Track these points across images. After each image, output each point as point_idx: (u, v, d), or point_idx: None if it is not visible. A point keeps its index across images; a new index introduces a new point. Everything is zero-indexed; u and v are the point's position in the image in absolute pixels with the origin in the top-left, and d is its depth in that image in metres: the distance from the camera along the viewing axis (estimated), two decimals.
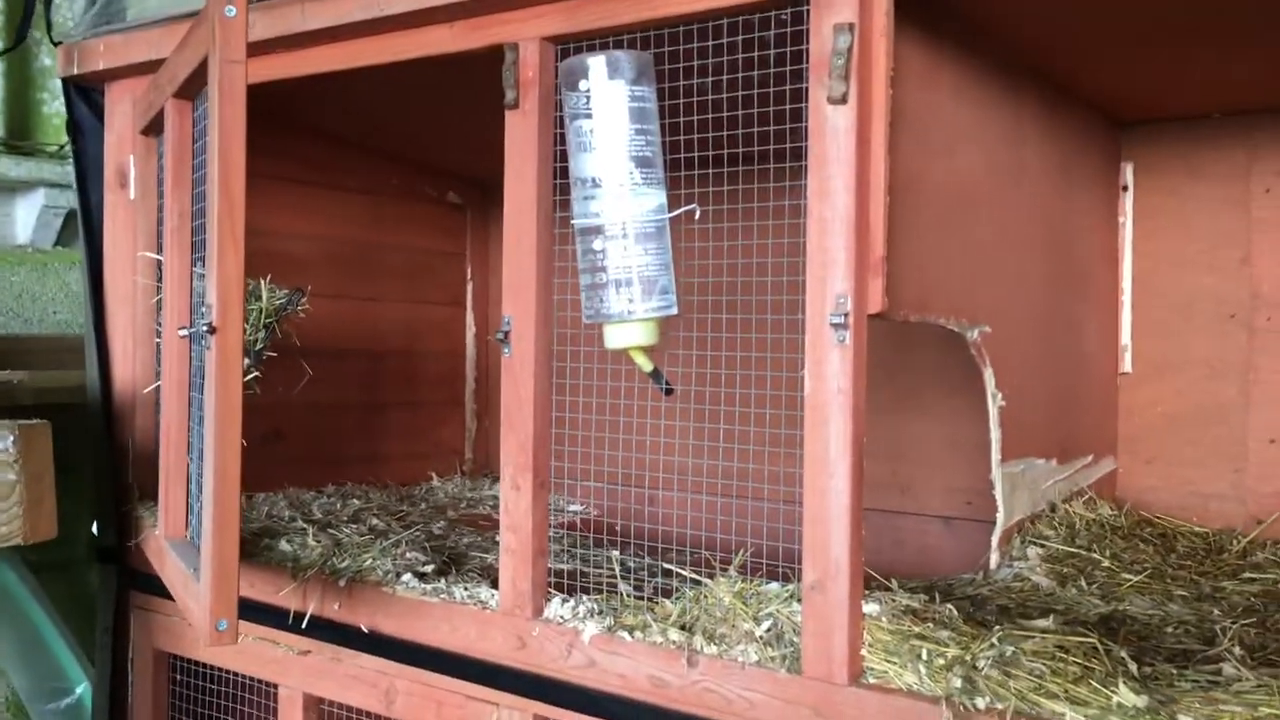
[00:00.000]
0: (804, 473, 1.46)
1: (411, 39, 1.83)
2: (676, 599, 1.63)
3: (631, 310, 1.57)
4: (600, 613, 1.66)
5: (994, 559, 1.78)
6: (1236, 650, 1.35)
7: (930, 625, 1.40)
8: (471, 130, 2.28)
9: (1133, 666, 1.30)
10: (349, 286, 2.76)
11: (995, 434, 1.77)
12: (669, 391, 1.65)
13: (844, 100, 1.41)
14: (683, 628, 1.58)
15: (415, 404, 2.94)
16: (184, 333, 1.71)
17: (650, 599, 1.67)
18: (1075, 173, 2.10)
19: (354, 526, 2.27)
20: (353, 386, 2.78)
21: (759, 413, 1.66)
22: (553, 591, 1.73)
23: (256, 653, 2.04)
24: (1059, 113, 2.02)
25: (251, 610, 2.02)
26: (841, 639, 1.42)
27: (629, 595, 1.69)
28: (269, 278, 1.99)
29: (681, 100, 1.61)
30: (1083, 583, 1.69)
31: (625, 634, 1.61)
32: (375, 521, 2.37)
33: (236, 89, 1.50)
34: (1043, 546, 1.79)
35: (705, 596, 1.60)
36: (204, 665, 2.18)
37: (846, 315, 1.41)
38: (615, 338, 1.59)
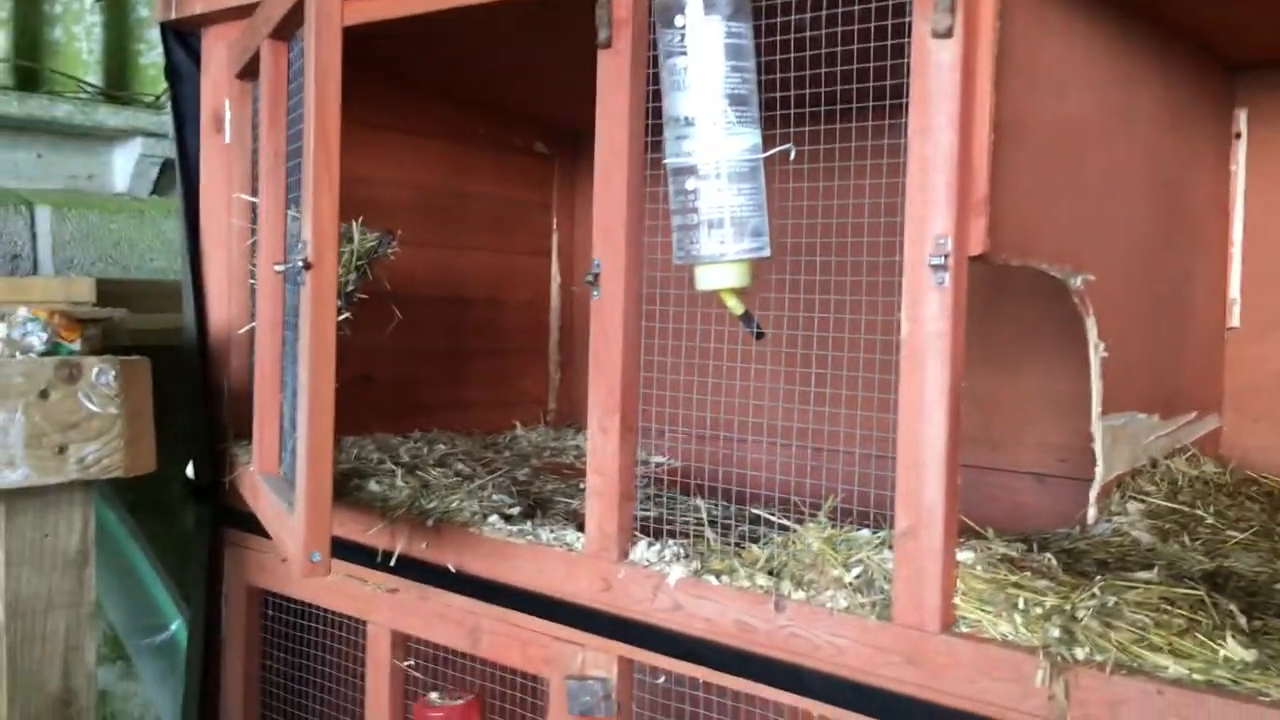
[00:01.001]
0: (899, 417, 1.43)
1: None
2: (764, 544, 1.62)
3: (723, 252, 1.55)
4: (686, 557, 1.66)
5: (1092, 513, 1.73)
6: None
7: (1028, 574, 1.37)
8: (561, 76, 2.26)
9: (1241, 620, 1.25)
10: (435, 234, 2.77)
11: (1096, 385, 1.72)
12: (759, 335, 1.63)
13: (949, 34, 1.37)
14: (770, 573, 1.57)
15: (500, 353, 2.95)
16: (279, 269, 1.73)
17: (737, 545, 1.66)
18: (1186, 119, 2.01)
19: (440, 470, 2.29)
20: (439, 334, 2.80)
21: (851, 357, 1.62)
22: (638, 535, 1.72)
23: (346, 590, 2.07)
24: (1171, 55, 1.93)
25: (341, 548, 2.05)
26: (934, 586, 1.39)
27: (715, 541, 1.67)
28: (360, 220, 2.00)
29: (779, 38, 1.57)
30: (1185, 539, 1.63)
31: (712, 578, 1.60)
32: (461, 466, 2.38)
33: (333, 25, 1.50)
34: (1143, 502, 1.74)
35: (794, 542, 1.58)
36: (295, 601, 2.23)
37: (946, 256, 1.38)
38: (706, 279, 1.57)
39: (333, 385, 1.54)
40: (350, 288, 1.96)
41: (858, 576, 1.50)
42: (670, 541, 1.70)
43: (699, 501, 2.22)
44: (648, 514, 1.94)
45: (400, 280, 2.69)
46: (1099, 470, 1.73)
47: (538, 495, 2.14)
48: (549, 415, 3.09)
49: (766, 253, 1.57)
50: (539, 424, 3.05)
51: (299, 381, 1.60)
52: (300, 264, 1.53)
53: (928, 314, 1.40)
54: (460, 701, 1.95)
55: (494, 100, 2.86)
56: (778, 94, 1.58)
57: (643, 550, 1.69)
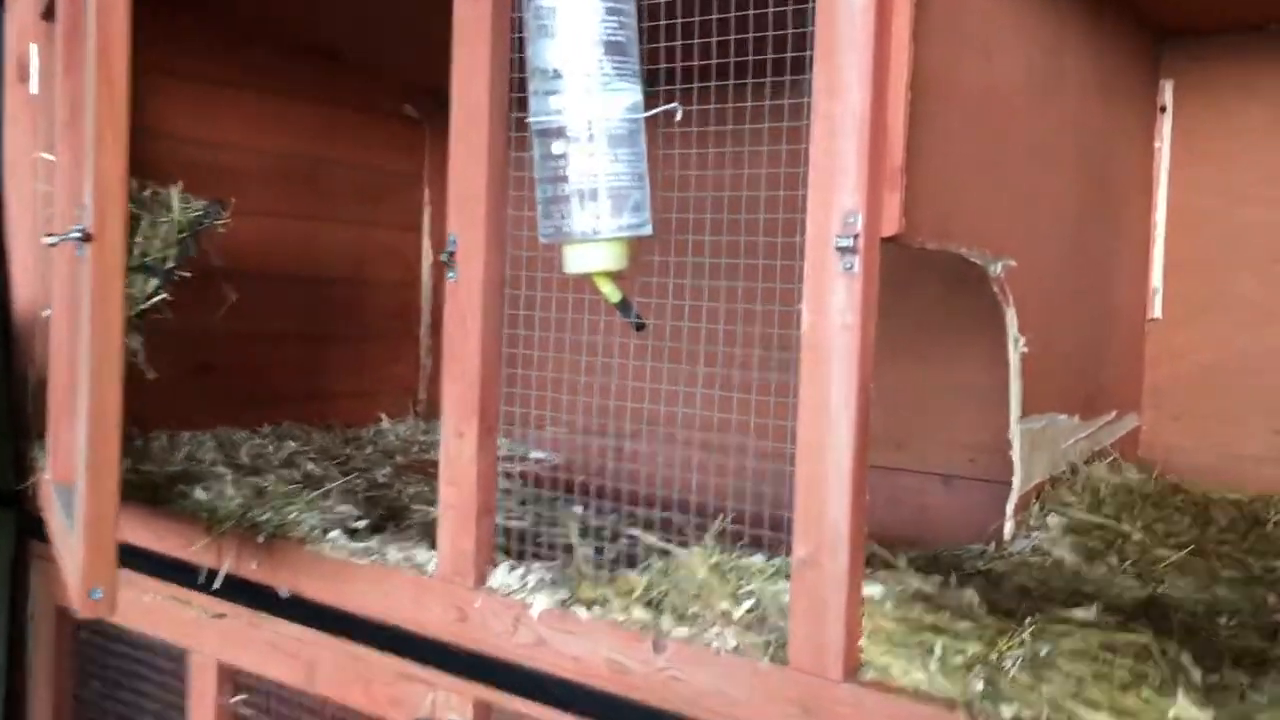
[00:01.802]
0: (798, 425, 1.21)
1: None
2: (643, 570, 1.40)
3: (597, 229, 1.31)
4: (553, 583, 1.42)
5: (1009, 528, 1.55)
6: None
7: (946, 615, 1.17)
8: (432, 29, 1.99)
9: (1194, 672, 1.07)
10: (290, 205, 2.48)
11: (1015, 385, 1.53)
12: (640, 326, 1.40)
13: None
14: (649, 604, 1.35)
15: (363, 338, 2.68)
16: (51, 240, 1.44)
17: (612, 568, 1.43)
18: (1113, 90, 1.84)
19: (285, 472, 2.02)
20: (293, 316, 2.52)
21: (747, 353, 1.41)
22: (500, 556, 1.49)
23: (167, 614, 1.80)
24: (1100, 18, 1.75)
25: (162, 566, 1.78)
26: (837, 625, 1.19)
27: (588, 563, 1.45)
28: (181, 186, 1.72)
29: None
30: (1113, 559, 1.46)
31: (581, 609, 1.37)
32: (311, 467, 2.12)
33: None
34: (1064, 515, 1.56)
35: (676, 568, 1.36)
36: (111, 624, 1.94)
37: (856, 237, 1.16)
38: (577, 260, 1.33)
39: (119, 382, 1.27)
40: (170, 264, 1.68)
41: (750, 611, 1.28)
42: (536, 564, 1.46)
43: (578, 508, 1.99)
44: (519, 523, 1.71)
45: (248, 256, 2.40)
46: (1016, 479, 1.54)
47: (393, 503, 1.88)
48: (419, 406, 2.82)
49: (648, 230, 1.34)
50: (407, 416, 2.79)
51: (79, 374, 1.32)
52: (79, 235, 1.25)
53: (833, 305, 1.18)
54: None
55: (358, 56, 2.56)
56: (661, 44, 1.35)
57: (503, 575, 1.46)
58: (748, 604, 1.28)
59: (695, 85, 1.34)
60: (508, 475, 2.37)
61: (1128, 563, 1.44)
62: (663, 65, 1.35)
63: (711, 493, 1.47)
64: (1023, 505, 1.58)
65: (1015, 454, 1.55)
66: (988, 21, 1.40)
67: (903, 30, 1.17)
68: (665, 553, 1.39)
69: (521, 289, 1.50)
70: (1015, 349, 1.53)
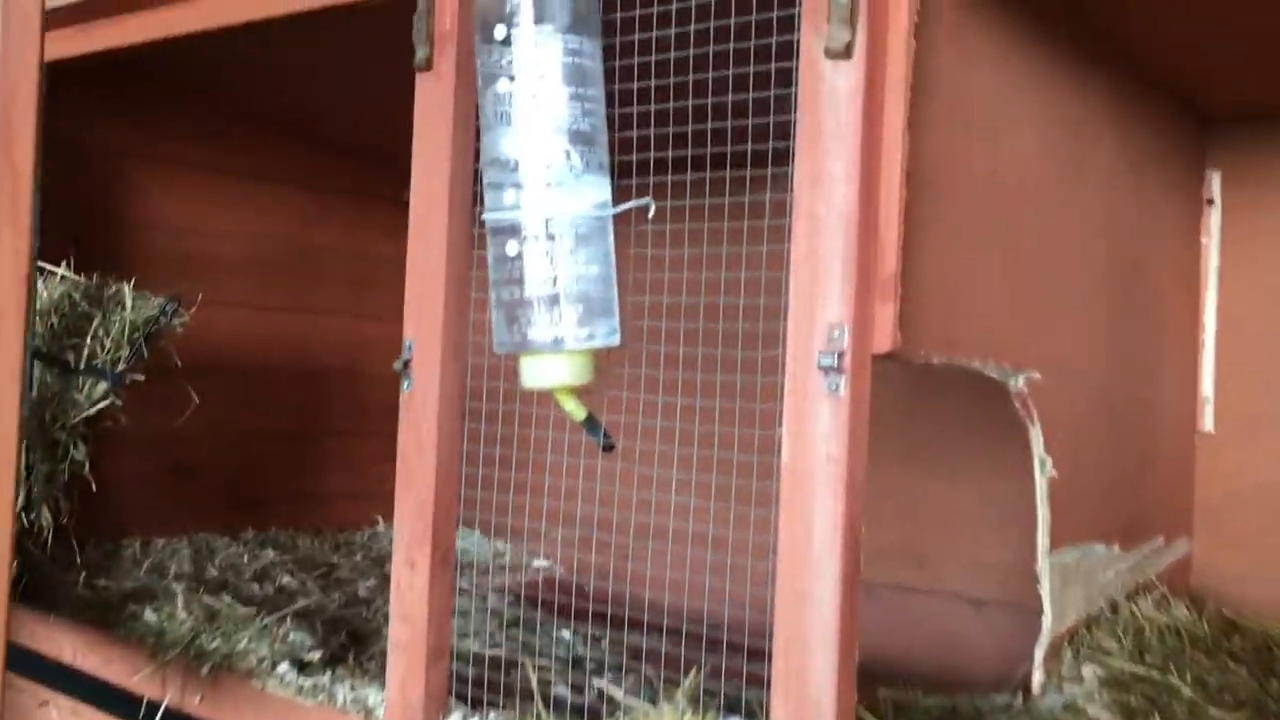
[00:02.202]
0: (777, 571, 1.05)
1: None
2: None
3: (560, 338, 1.17)
4: None
5: (1038, 678, 1.36)
6: None
7: None
8: None
9: None
10: (280, 295, 2.38)
11: (1043, 513, 1.35)
12: (609, 447, 1.24)
13: (848, 53, 1.01)
14: None
15: (359, 434, 2.54)
16: None
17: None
18: (1151, 178, 1.68)
19: (255, 587, 1.88)
20: (282, 412, 2.39)
21: (724, 480, 1.25)
22: (454, 703, 1.32)
23: None
24: (1134, 100, 1.60)
25: (108, 696, 1.63)
26: None
27: (549, 713, 1.28)
28: (133, 281, 1.60)
29: (636, 60, 1.21)
30: None
31: None
32: (287, 580, 1.98)
33: (29, 27, 1.12)
34: (1103, 664, 1.36)
35: None
36: None
37: (842, 355, 1.00)
38: (535, 374, 1.19)
39: (10, 495, 1.13)
40: (120, 367, 1.56)
41: None
42: (493, 714, 1.30)
43: (565, 633, 1.83)
44: (493, 652, 1.55)
45: (233, 349, 2.29)
46: (1046, 621, 1.35)
47: (362, 626, 1.73)
48: None
49: (616, 340, 1.19)
50: None
51: None
52: None
53: (816, 432, 1.02)
54: None
55: (351, 141, 2.47)
56: (634, 133, 1.21)
57: None
58: None
59: (669, 178, 1.20)
60: (499, 590, 2.22)
61: None
62: (634, 156, 1.22)
63: (707, 599, 1.29)
64: (1054, 651, 1.38)
65: (1044, 592, 1.36)
66: (994, 100, 1.25)
67: (896, 116, 1.03)
68: (637, 708, 1.22)
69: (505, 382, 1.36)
70: (1042, 472, 1.35)
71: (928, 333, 1.11)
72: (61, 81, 1.88)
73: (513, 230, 1.16)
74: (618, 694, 1.25)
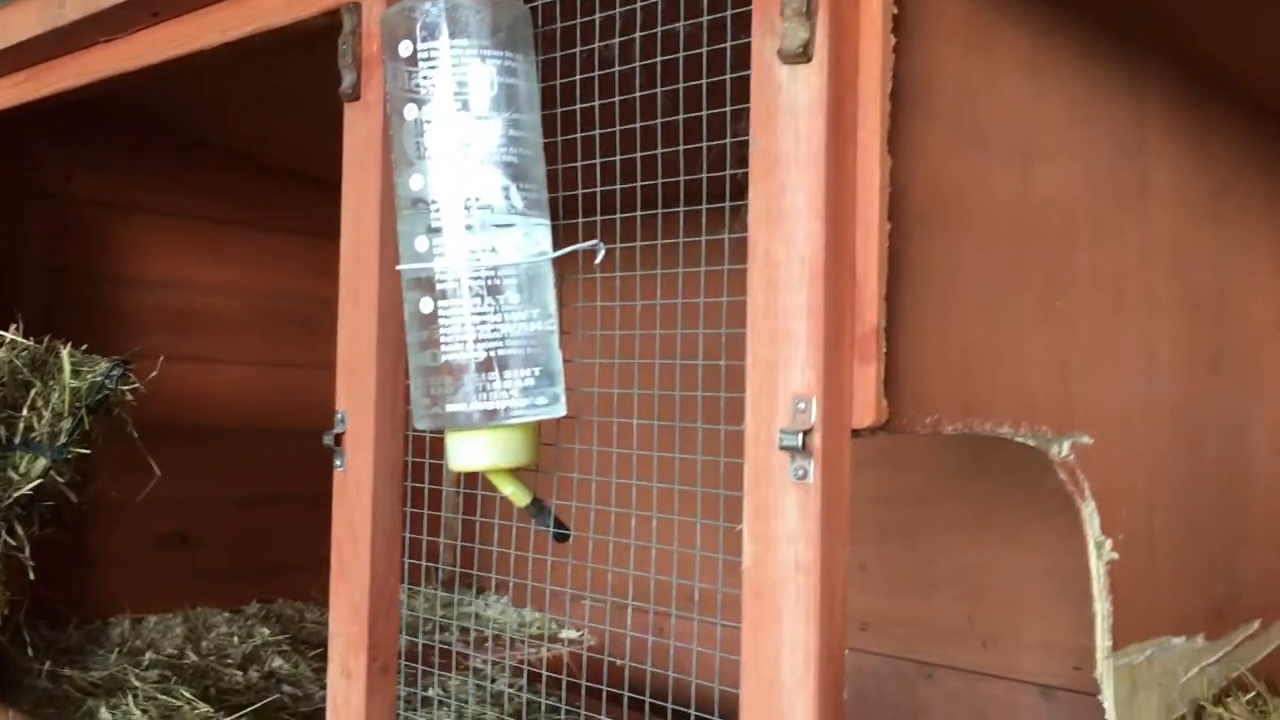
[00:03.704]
0: (741, 703, 0.84)
1: (235, 10, 1.28)
2: None
3: (491, 409, 0.98)
4: None
5: None
6: None
7: None
8: None
9: None
10: (287, 351, 2.23)
11: (1101, 606, 1.11)
12: (562, 537, 1.05)
13: (806, 55, 0.81)
14: None
15: None
16: None
17: None
18: (1232, 200, 1.42)
19: (237, 675, 1.72)
20: (292, 476, 2.24)
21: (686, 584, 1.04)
22: None
23: None
24: (1204, 107, 1.36)
25: None
26: None
27: None
28: (70, 345, 1.46)
29: (578, 77, 1.02)
30: None
31: None
32: (279, 664, 1.82)
33: None
34: None
35: None
36: None
37: (808, 433, 0.79)
38: (463, 455, 1.00)
39: None
40: (62, 439, 1.41)
41: None
42: None
43: None
44: None
45: (236, 410, 2.16)
46: None
47: None
48: (441, 573, 2.50)
49: (561, 409, 1.00)
50: (429, 584, 2.46)
51: None
52: None
53: (781, 531, 0.81)
54: None
55: None
56: (578, 163, 1.02)
57: None
58: None
59: (617, 216, 1.01)
60: (518, 666, 2.03)
61: None
62: (579, 191, 1.02)
63: None
64: None
65: (1107, 700, 1.12)
66: (1024, 115, 1.03)
67: (873, 134, 0.82)
68: None
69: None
70: (1099, 556, 1.12)
71: (933, 394, 0.89)
72: (23, 131, 1.79)
73: (428, 283, 0.98)
74: None
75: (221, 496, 2.11)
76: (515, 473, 1.01)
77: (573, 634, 2.27)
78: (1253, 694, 1.29)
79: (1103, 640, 1.12)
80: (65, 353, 1.43)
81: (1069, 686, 1.67)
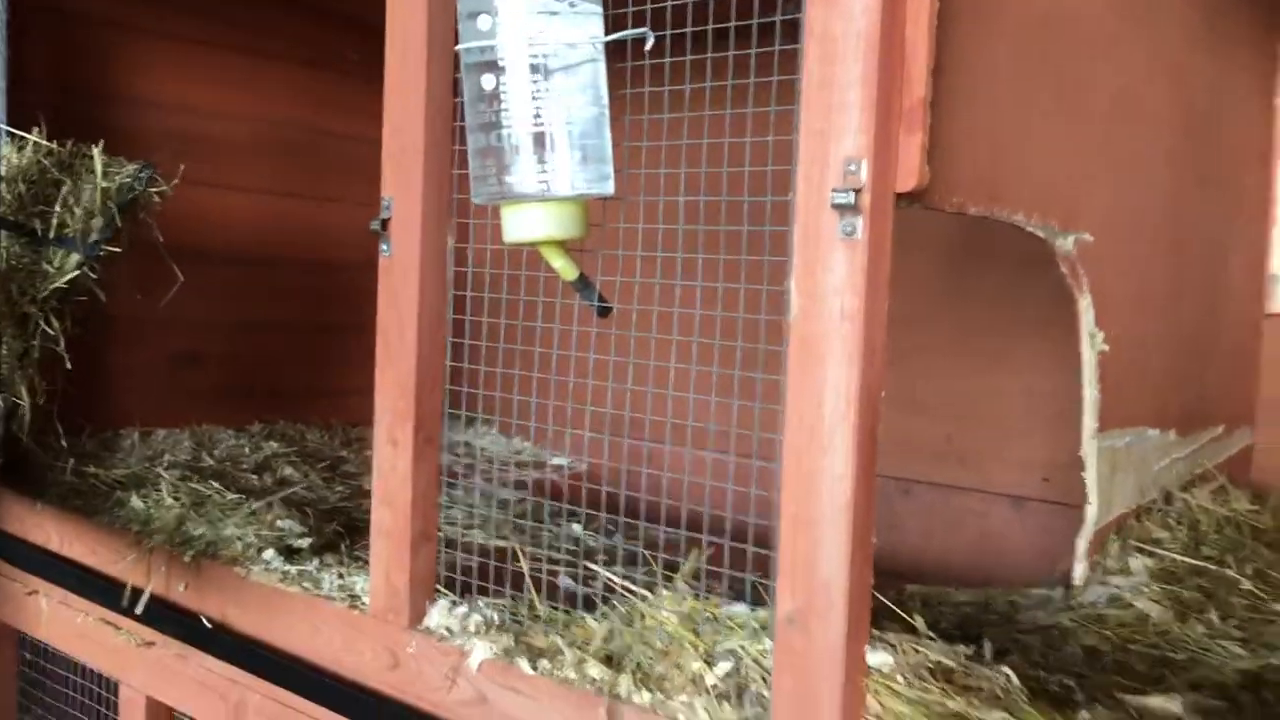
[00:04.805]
0: (783, 443, 0.93)
1: None
2: (601, 617, 1.12)
3: (546, 185, 1.04)
4: (499, 627, 1.16)
5: (1080, 570, 1.24)
6: None
7: (975, 701, 0.87)
8: None
9: None
10: (294, 181, 2.26)
11: (1090, 391, 1.22)
12: (605, 311, 1.12)
13: None
14: (608, 660, 1.07)
15: (374, 328, 2.43)
16: None
17: (569, 611, 1.16)
18: (1223, 29, 1.50)
19: (253, 478, 1.79)
20: (295, 303, 2.30)
21: (728, 346, 1.12)
22: (441, 591, 1.23)
23: (98, 639, 1.58)
24: None
25: (94, 584, 1.56)
26: (832, 705, 0.90)
27: (541, 604, 1.18)
28: (101, 144, 1.49)
29: None
30: (1213, 615, 1.14)
31: (526, 663, 1.10)
32: (289, 472, 1.89)
33: None
34: (1153, 555, 1.24)
35: (642, 616, 1.08)
36: (49, 649, 1.73)
37: (859, 192, 0.87)
38: (518, 226, 1.07)
39: None
40: (94, 236, 1.45)
41: (727, 675, 1.00)
42: (481, 602, 1.20)
43: (575, 527, 1.73)
44: (499, 544, 1.45)
45: (243, 236, 2.19)
46: (1091, 509, 1.23)
47: (360, 518, 1.64)
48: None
49: (609, 189, 1.06)
50: None
51: None
52: None
53: (829, 284, 0.89)
54: None
55: (367, 14, 2.33)
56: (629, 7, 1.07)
57: (441, 614, 1.20)
58: (725, 666, 1.00)
59: (668, 32, 1.06)
60: (519, 485, 2.13)
61: (1231, 621, 1.12)
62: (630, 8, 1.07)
63: (731, 507, 1.17)
64: (1099, 542, 1.26)
65: (1089, 477, 1.24)
66: None
67: None
68: (630, 593, 1.12)
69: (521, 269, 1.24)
70: (1091, 346, 1.21)
71: (962, 175, 0.97)
72: None
73: (490, 63, 1.03)
74: (615, 579, 1.15)
75: (226, 320, 2.16)
76: (565, 248, 1.08)
77: (562, 460, 2.37)
78: (1216, 485, 1.41)
79: (1089, 423, 1.23)
80: (97, 152, 1.46)
81: (1038, 497, 1.80)
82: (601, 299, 1.11)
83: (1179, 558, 1.24)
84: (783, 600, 0.93)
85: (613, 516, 1.50)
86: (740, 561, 1.02)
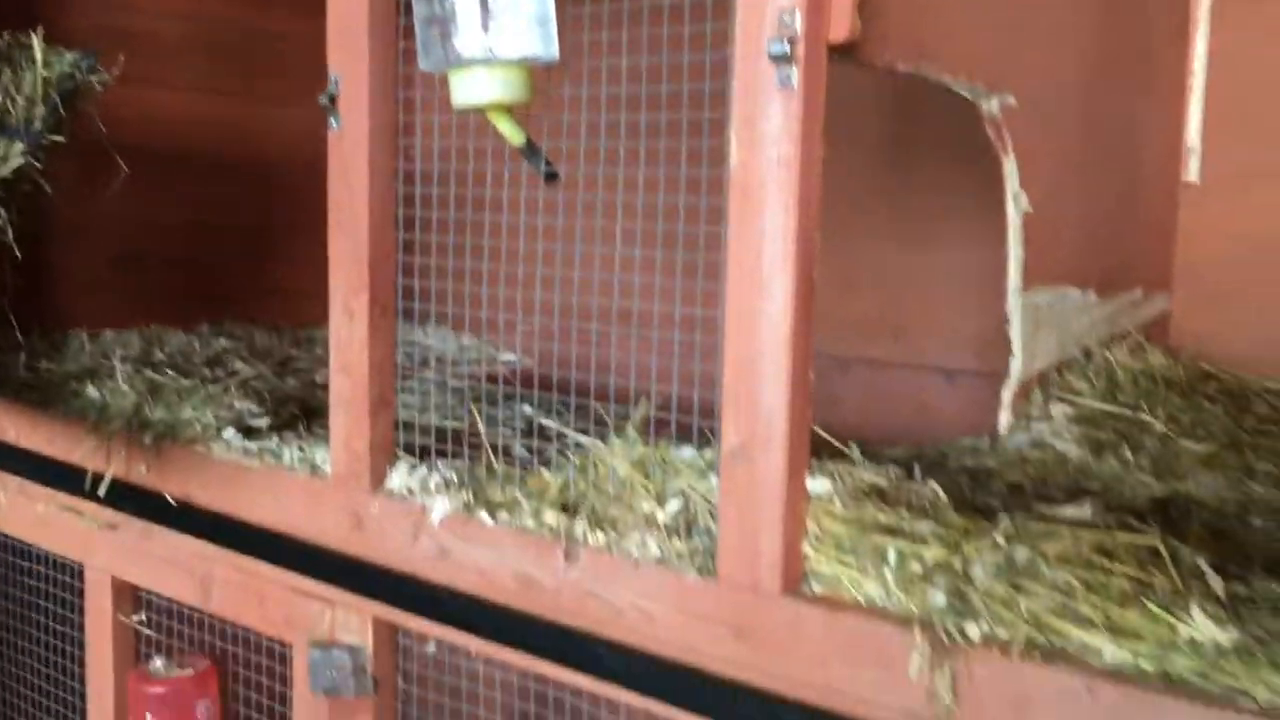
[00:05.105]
0: (726, 286, 0.98)
1: None
2: (557, 469, 1.18)
3: (491, 48, 1.07)
4: (458, 485, 1.21)
5: (1005, 419, 1.32)
6: None
7: (904, 513, 0.94)
8: None
9: (1214, 580, 0.84)
10: (231, 81, 2.25)
11: (1015, 250, 1.28)
12: (552, 176, 1.16)
13: None
14: (564, 508, 1.13)
15: (320, 229, 2.44)
16: None
17: (527, 465, 1.22)
18: None
19: (207, 372, 1.81)
20: (241, 205, 2.29)
21: (671, 200, 1.16)
22: (401, 455, 1.27)
23: (61, 525, 1.61)
24: None
25: (53, 472, 1.59)
26: (773, 530, 0.97)
27: (499, 461, 1.23)
28: (40, 31, 1.48)
29: None
30: (1127, 452, 1.22)
31: (486, 515, 1.16)
32: (240, 365, 1.91)
33: None
34: (1073, 404, 1.32)
35: (595, 465, 1.14)
36: (9, 538, 1.76)
37: (793, 42, 0.91)
38: (465, 90, 1.10)
39: None
40: (37, 125, 1.45)
41: (676, 514, 1.06)
42: (440, 464, 1.25)
43: (527, 408, 1.78)
44: (455, 425, 1.50)
45: (183, 136, 2.18)
46: (1015, 362, 1.30)
47: (315, 404, 1.67)
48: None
49: (554, 52, 1.09)
50: None
51: None
52: None
53: (766, 133, 0.94)
54: (189, 672, 1.50)
55: None
56: None
57: (402, 476, 1.25)
58: (674, 505, 1.07)
59: None
60: (472, 377, 2.17)
61: (1144, 457, 1.21)
62: None
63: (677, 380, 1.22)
64: (1023, 394, 1.34)
65: (1014, 332, 1.31)
66: None
67: None
68: (583, 447, 1.17)
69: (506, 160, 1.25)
70: (1016, 207, 1.28)
71: (892, 30, 1.02)
72: None
73: None
74: (569, 431, 1.20)
75: (169, 221, 2.15)
76: (511, 113, 1.12)
77: (511, 357, 2.41)
78: (1133, 343, 1.50)
79: (1014, 279, 1.29)
80: (37, 40, 1.45)
81: (971, 369, 1.88)
82: (548, 164, 1.15)
83: (1097, 405, 1.33)
84: (728, 436, 0.99)
85: (564, 397, 1.55)
86: (687, 412, 1.08)
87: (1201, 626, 0.80)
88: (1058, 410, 1.30)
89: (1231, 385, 1.46)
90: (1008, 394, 1.32)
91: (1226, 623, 0.80)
